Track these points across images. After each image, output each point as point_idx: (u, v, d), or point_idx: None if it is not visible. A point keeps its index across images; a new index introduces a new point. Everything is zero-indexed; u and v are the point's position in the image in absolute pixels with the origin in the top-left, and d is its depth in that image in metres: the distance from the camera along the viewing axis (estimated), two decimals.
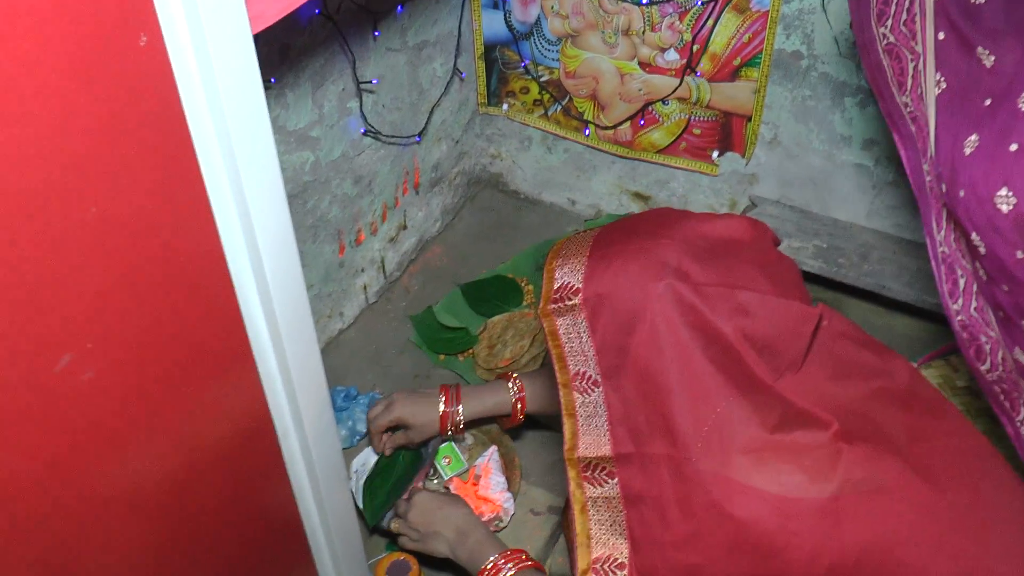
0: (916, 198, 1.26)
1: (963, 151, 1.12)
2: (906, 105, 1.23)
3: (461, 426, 1.68)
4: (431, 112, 2.15)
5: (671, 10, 1.94)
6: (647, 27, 1.99)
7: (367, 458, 1.74)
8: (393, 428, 1.70)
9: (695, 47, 1.97)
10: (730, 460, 1.22)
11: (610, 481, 1.31)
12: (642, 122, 2.15)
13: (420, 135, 2.13)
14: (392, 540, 1.72)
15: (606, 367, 1.31)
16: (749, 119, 2.03)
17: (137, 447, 0.96)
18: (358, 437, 1.86)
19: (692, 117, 2.09)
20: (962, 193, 1.11)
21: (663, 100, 2.09)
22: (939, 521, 1.20)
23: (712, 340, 1.24)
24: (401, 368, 2.05)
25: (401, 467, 1.73)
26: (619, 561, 1.29)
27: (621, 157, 2.25)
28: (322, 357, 2.01)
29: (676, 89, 2.05)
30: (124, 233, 0.84)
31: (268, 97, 1.63)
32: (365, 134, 1.94)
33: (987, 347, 1.21)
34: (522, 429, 1.89)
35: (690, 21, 1.94)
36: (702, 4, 1.91)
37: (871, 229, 2.06)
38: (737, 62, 1.96)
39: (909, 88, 1.22)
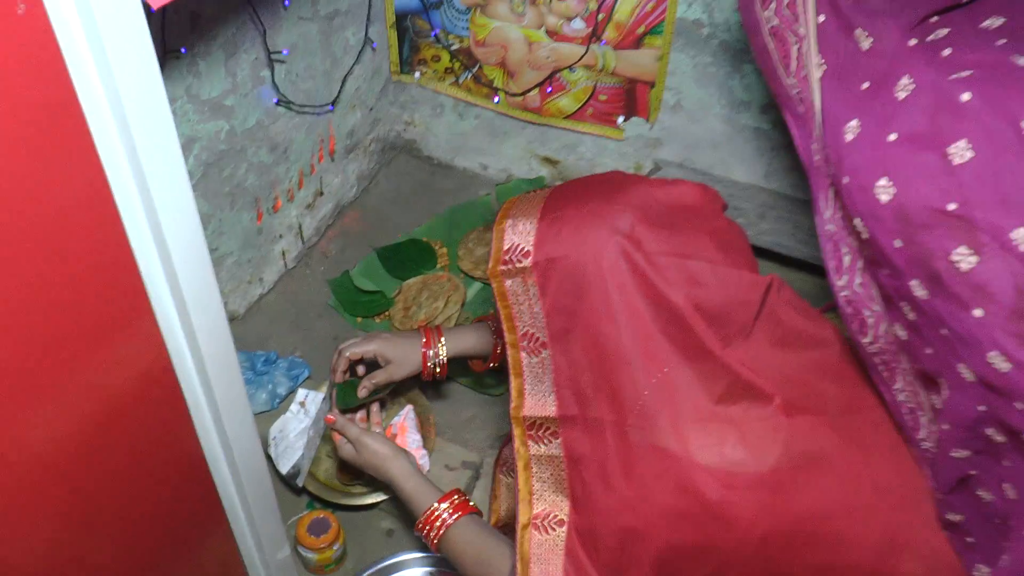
0: (808, 175, 1.24)
1: (845, 137, 1.11)
2: (793, 86, 1.22)
3: (444, 362, 1.65)
4: (344, 80, 2.10)
5: None
6: None
7: (284, 424, 1.70)
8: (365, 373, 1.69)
9: (600, 16, 1.94)
10: (673, 429, 1.20)
11: (554, 441, 1.29)
12: (550, 89, 2.12)
13: (334, 103, 2.08)
14: (312, 497, 1.70)
15: (555, 330, 1.27)
16: (653, 85, 2.01)
17: (35, 418, 0.91)
18: (278, 400, 1.83)
19: (598, 84, 2.06)
20: (846, 179, 1.10)
21: (570, 67, 2.06)
22: (869, 492, 1.20)
23: (662, 308, 1.20)
24: (320, 331, 2.02)
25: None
26: (559, 518, 1.28)
27: (530, 123, 2.23)
28: (243, 322, 2.00)
29: (582, 57, 2.03)
30: (15, 207, 0.79)
31: (180, 66, 1.58)
32: (278, 103, 1.88)
33: (870, 321, 1.21)
34: (437, 387, 1.88)
35: None
36: None
37: (769, 190, 2.06)
38: (641, 30, 1.94)
39: (794, 70, 1.20)
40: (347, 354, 1.64)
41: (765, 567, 1.20)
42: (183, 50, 1.56)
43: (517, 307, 1.30)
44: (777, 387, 1.21)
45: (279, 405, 1.83)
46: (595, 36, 1.98)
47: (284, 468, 1.66)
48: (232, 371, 1.15)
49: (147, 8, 0.87)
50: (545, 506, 1.29)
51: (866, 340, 1.23)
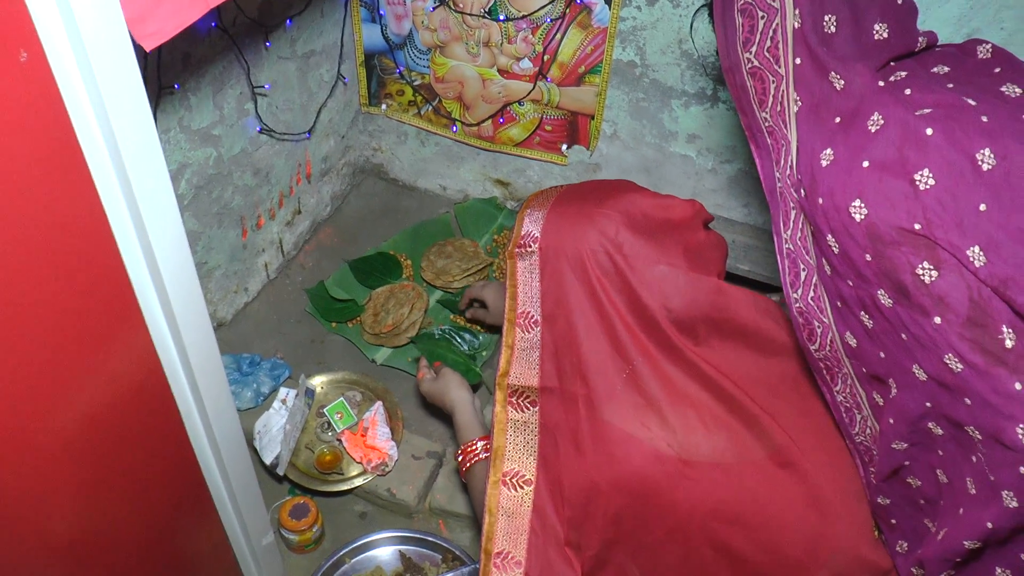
0: (767, 201, 1.23)
1: (820, 163, 1.10)
2: (765, 120, 1.21)
3: None
4: (319, 112, 2.07)
5: (525, 25, 1.90)
6: (504, 40, 1.94)
7: (268, 419, 1.68)
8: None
9: (546, 57, 1.93)
10: (636, 413, 1.20)
11: (531, 409, 1.29)
12: (502, 120, 2.10)
13: (310, 132, 2.05)
14: (292, 484, 1.67)
15: (546, 311, 1.28)
16: (592, 117, 2.01)
17: (42, 414, 0.89)
18: (262, 398, 1.79)
19: (544, 116, 2.05)
20: (821, 201, 1.09)
21: (519, 101, 2.05)
22: (810, 498, 1.21)
23: (636, 305, 1.22)
24: (299, 335, 1.99)
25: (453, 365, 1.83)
26: (526, 477, 1.27)
27: (485, 150, 2.21)
28: (230, 327, 1.96)
29: (530, 92, 2.01)
30: (18, 233, 0.77)
31: (173, 100, 1.55)
32: (261, 132, 1.85)
33: (819, 330, 1.21)
34: (403, 385, 1.86)
35: (541, 35, 1.90)
36: (551, 21, 1.86)
37: None
38: (582, 70, 1.93)
39: (769, 106, 1.19)
40: (469, 293, 1.81)
41: (709, 538, 1.20)
42: (176, 86, 1.53)
43: (523, 287, 1.31)
44: (739, 385, 1.21)
45: (263, 402, 1.79)
46: (541, 74, 1.97)
47: (268, 459, 1.63)
48: (217, 373, 1.12)
49: (141, 50, 0.85)
50: (514, 465, 1.28)
51: (813, 347, 1.23)
